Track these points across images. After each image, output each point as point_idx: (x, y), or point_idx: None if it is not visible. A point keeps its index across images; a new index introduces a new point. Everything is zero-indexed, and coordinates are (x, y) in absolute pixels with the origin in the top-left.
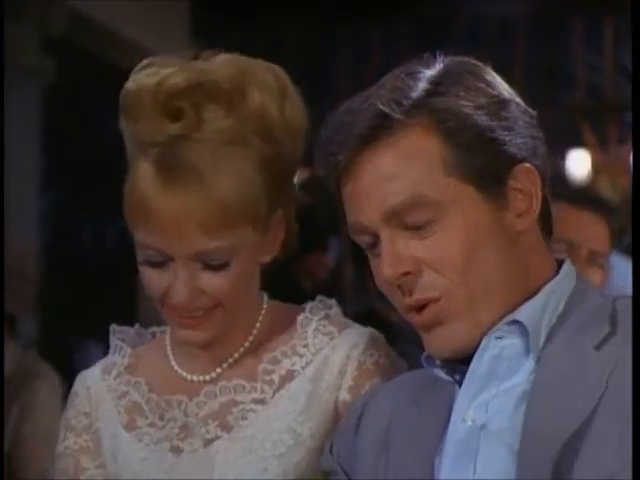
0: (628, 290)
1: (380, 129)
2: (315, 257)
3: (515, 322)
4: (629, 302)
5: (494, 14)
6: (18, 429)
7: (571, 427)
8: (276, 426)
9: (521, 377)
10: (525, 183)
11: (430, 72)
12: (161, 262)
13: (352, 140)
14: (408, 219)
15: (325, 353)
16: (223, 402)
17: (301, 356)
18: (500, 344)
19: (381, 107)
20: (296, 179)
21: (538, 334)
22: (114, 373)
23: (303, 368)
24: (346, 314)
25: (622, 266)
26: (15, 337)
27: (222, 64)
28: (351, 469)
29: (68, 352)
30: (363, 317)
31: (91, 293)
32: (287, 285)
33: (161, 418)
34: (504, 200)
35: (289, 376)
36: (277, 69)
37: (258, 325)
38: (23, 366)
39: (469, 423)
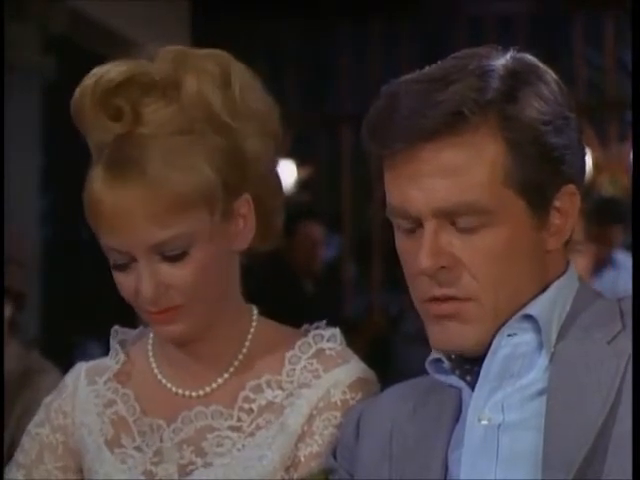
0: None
1: (452, 126)
2: (301, 245)
3: (526, 317)
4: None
5: (494, 14)
6: (21, 429)
7: (596, 423)
8: (250, 453)
9: (536, 374)
10: (566, 204)
11: (501, 70)
12: (126, 264)
13: (419, 130)
14: (457, 219)
15: (305, 390)
16: (199, 428)
17: (284, 390)
18: (512, 342)
19: (458, 106)
20: (295, 177)
21: (550, 329)
22: (104, 378)
23: (282, 400)
24: (347, 312)
25: (630, 264)
26: (17, 335)
27: (159, 57)
28: (354, 474)
29: (70, 351)
30: (363, 315)
31: (92, 292)
32: (289, 286)
33: (147, 444)
34: (546, 219)
35: (269, 407)
36: (222, 56)
37: (247, 344)
38: (26, 364)
39: (485, 422)
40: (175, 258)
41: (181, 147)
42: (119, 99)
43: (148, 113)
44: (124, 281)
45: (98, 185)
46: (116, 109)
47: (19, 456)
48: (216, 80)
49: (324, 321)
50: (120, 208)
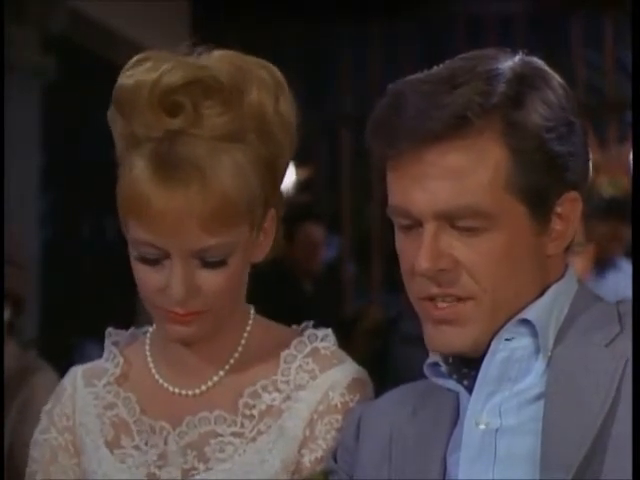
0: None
1: (457, 129)
2: (302, 247)
3: (523, 321)
4: (630, 304)
5: (494, 14)
6: (17, 427)
7: (595, 425)
8: (251, 458)
9: (533, 379)
10: (568, 210)
11: (509, 73)
12: (157, 259)
13: (426, 132)
14: (458, 222)
15: (302, 393)
16: (202, 433)
17: (281, 392)
18: (510, 346)
19: (463, 109)
20: (295, 179)
21: (547, 334)
22: (104, 381)
23: (280, 403)
24: (346, 312)
25: (630, 269)
26: (15, 336)
27: (219, 61)
28: (353, 475)
29: (68, 352)
30: (362, 316)
31: (91, 293)
32: (289, 287)
33: (146, 443)
34: (547, 225)
35: (268, 411)
36: (270, 66)
37: (243, 342)
38: (22, 363)
39: (482, 427)
40: (214, 265)
41: (233, 154)
42: (180, 96)
43: (207, 116)
44: (150, 276)
45: (145, 182)
46: (176, 105)
47: (32, 465)
48: (271, 91)
49: (312, 321)
50: (172, 208)
